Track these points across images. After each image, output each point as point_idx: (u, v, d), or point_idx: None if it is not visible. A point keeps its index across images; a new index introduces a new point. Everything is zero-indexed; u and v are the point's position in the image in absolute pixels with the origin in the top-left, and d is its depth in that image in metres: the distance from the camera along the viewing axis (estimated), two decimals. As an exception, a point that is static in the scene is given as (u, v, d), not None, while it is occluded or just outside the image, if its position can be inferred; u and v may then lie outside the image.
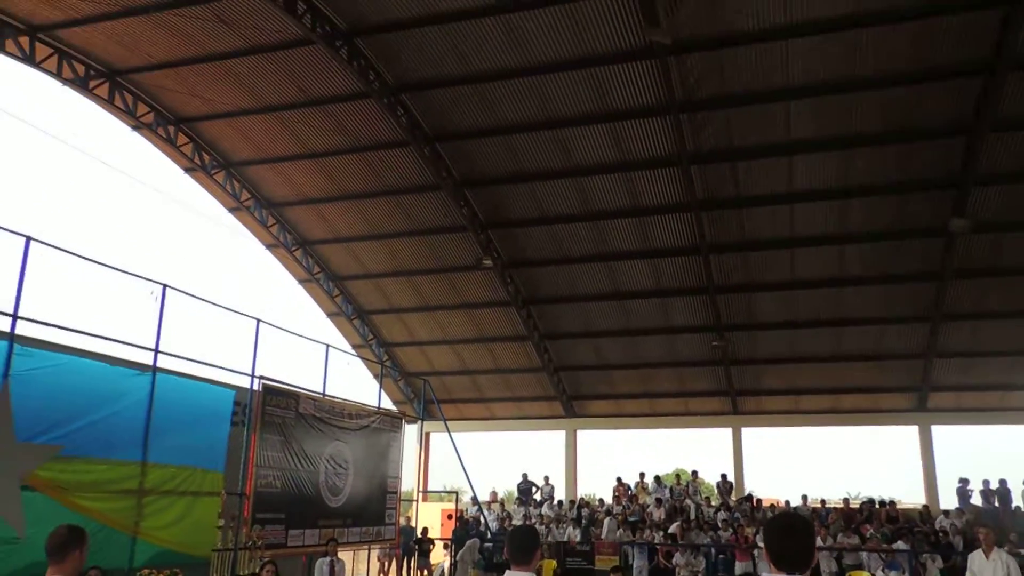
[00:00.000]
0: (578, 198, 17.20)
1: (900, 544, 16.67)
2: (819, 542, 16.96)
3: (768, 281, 18.37)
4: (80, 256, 10.15)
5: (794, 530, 2.87)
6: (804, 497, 19.89)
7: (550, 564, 18.13)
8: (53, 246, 9.65)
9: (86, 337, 10.10)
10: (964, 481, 18.98)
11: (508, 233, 18.67)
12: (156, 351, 10.99)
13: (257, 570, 10.13)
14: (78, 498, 9.32)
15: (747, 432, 22.03)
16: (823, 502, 19.99)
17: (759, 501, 20.33)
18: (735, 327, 19.65)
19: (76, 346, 10.03)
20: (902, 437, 21.70)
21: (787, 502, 20.00)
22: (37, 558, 8.89)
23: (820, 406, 21.14)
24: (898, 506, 19.83)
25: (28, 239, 9.21)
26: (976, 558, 9.23)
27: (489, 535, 19.54)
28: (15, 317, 8.95)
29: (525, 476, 22.42)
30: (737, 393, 21.42)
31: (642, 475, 21.69)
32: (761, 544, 16.39)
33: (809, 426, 22.46)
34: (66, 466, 9.21)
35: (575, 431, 23.35)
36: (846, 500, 20.18)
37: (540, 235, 18.52)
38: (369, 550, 17.63)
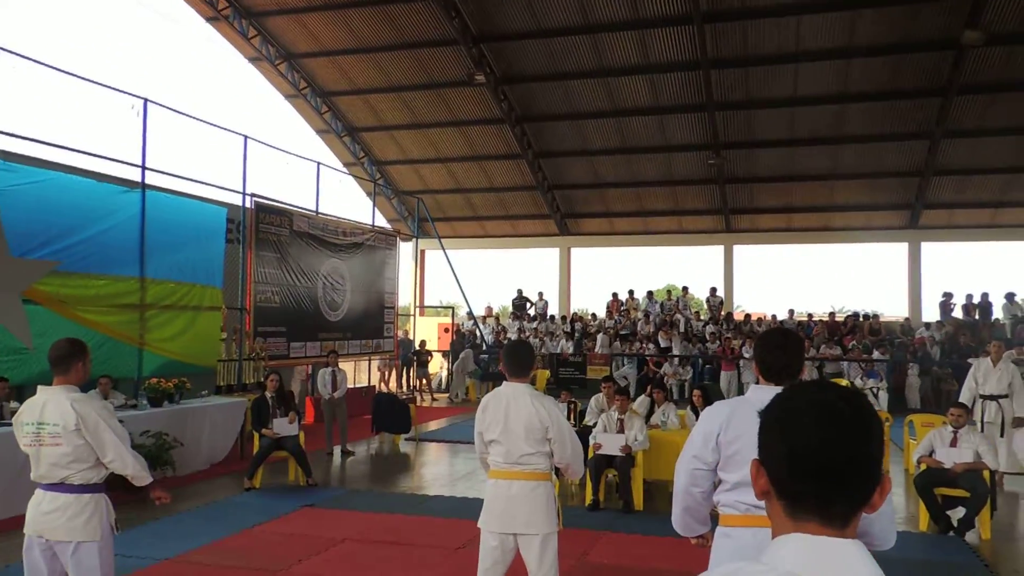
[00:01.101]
0: (577, 8, 16.28)
1: (879, 355, 17.42)
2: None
3: (769, 97, 17.84)
4: (54, 68, 9.72)
5: (786, 344, 2.93)
6: (791, 311, 20.50)
7: (543, 374, 18.99)
8: (24, 56, 9.21)
9: (71, 153, 9.91)
10: (947, 295, 19.49)
11: (501, 47, 17.85)
12: (143, 168, 10.82)
13: (262, 379, 10.56)
14: (81, 311, 9.53)
15: (739, 250, 22.31)
16: (809, 316, 20.63)
17: (747, 315, 20.97)
18: (733, 145, 19.34)
19: (61, 162, 9.86)
20: (892, 254, 22.06)
21: (774, 316, 20.62)
22: (47, 367, 9.24)
23: (812, 224, 21.27)
24: (881, 320, 20.50)
25: (-3, 49, 8.76)
26: (982, 365, 9.43)
27: (484, 348, 20.30)
28: (-6, 132, 8.69)
29: (520, 292, 22.94)
30: (731, 211, 21.46)
31: (631, 292, 22.19)
32: (747, 355, 17.13)
33: (801, 243, 22.72)
34: (65, 280, 9.33)
35: (569, 249, 23.61)
36: (831, 314, 20.79)
37: (535, 49, 17.71)
38: (369, 361, 18.38)
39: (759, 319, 20.59)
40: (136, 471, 3.74)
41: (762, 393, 2.68)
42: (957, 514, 6.98)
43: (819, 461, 1.10)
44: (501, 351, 4.37)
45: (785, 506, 1.14)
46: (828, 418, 1.11)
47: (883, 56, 16.25)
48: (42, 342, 8.95)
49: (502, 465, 3.92)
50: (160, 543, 6.35)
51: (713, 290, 21.73)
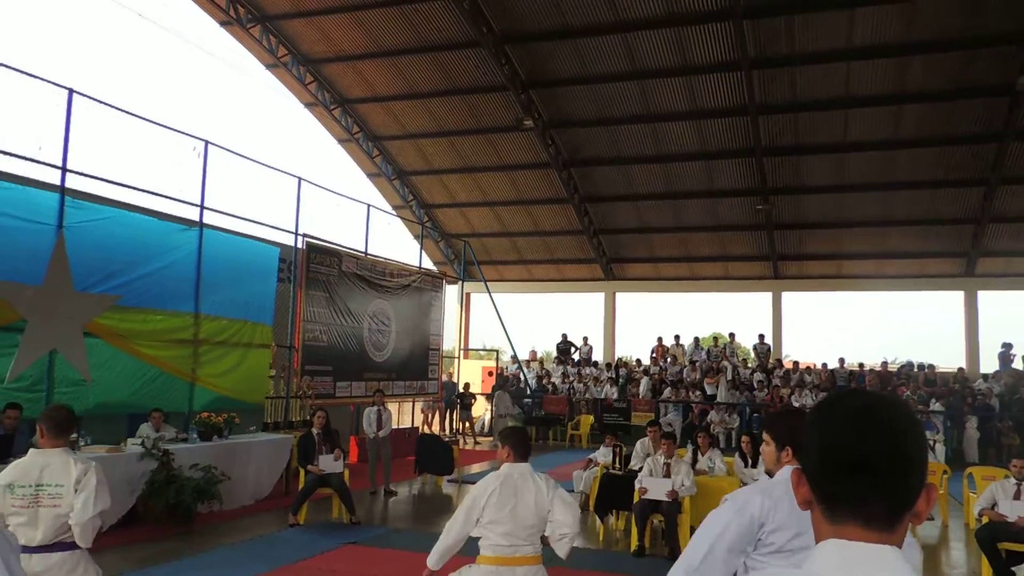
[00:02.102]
0: (624, 55, 16.51)
1: (936, 405, 16.86)
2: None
3: (818, 143, 17.75)
4: (123, 111, 10.16)
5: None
6: (841, 360, 20.05)
7: (587, 419, 18.82)
8: (96, 99, 9.65)
9: (134, 192, 10.29)
10: (1007, 346, 18.87)
11: (550, 93, 18.14)
12: (202, 207, 11.17)
13: (308, 416, 10.67)
14: (138, 345, 9.78)
15: (787, 296, 21.99)
16: (861, 366, 20.13)
17: (795, 364, 20.56)
18: (781, 191, 19.21)
19: (124, 200, 10.25)
20: (947, 303, 21.48)
21: (824, 365, 20.17)
22: (104, 399, 9.49)
23: (864, 271, 20.89)
24: (937, 370, 19.89)
25: (71, 91, 9.21)
26: None
27: (529, 392, 20.21)
28: (64, 170, 9.09)
29: (564, 336, 22.88)
30: (779, 257, 21.22)
31: (677, 337, 21.97)
32: (796, 404, 16.72)
33: (852, 291, 22.28)
34: (125, 315, 9.61)
35: (614, 293, 23.55)
36: (884, 364, 20.27)
37: (583, 95, 17.96)
38: (413, 403, 18.43)
39: (808, 368, 20.16)
40: (89, 534, 3.75)
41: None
42: (1022, 570, 6.67)
43: (851, 454, 1.09)
44: (500, 433, 4.43)
45: (824, 510, 1.13)
46: (863, 414, 1.10)
47: (935, 102, 16.10)
48: (100, 374, 9.23)
49: (504, 549, 3.84)
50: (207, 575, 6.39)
51: (761, 337, 21.39)
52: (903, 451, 1.10)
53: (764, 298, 22.17)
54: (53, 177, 9.09)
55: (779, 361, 20.56)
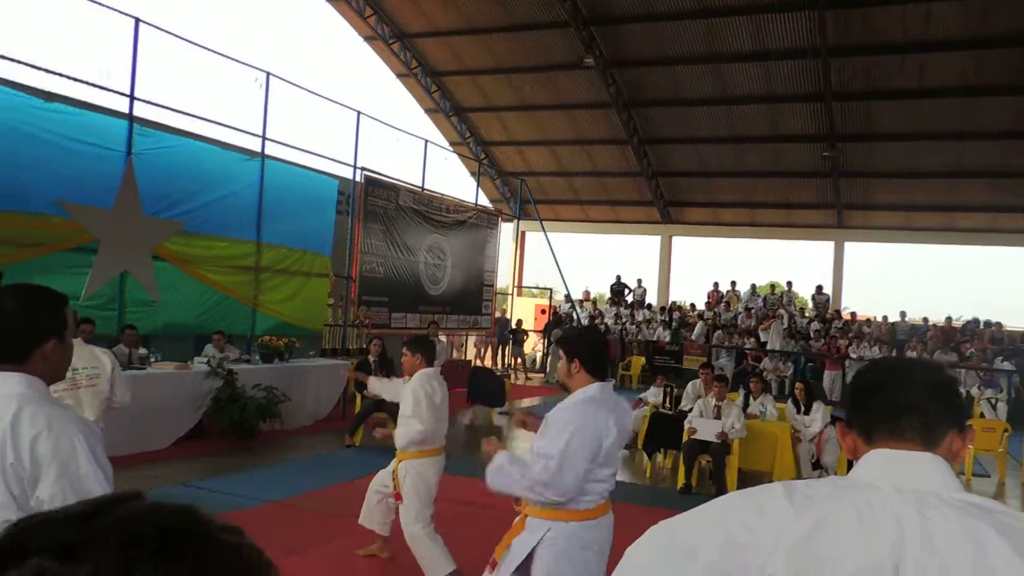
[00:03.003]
0: (690, -10, 15.95)
1: (1004, 364, 16.37)
2: (914, 356, 16.87)
3: (892, 88, 16.98)
4: (188, 40, 10.28)
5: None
6: (903, 313, 19.55)
7: (639, 361, 18.86)
8: (162, 29, 9.79)
9: (198, 122, 10.49)
10: (1079, 305, 18.12)
11: (612, 30, 17.68)
12: (264, 138, 11.33)
13: (365, 345, 10.94)
14: (203, 270, 10.10)
15: (850, 247, 21.42)
16: (925, 319, 19.61)
17: (853, 315, 20.13)
18: (849, 137, 18.53)
19: (189, 130, 10.46)
20: (1019, 260, 20.66)
21: (884, 318, 19.70)
22: (171, 320, 9.88)
23: (933, 224, 20.17)
24: (1005, 328, 19.24)
25: (137, 20, 9.35)
26: None
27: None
28: (132, 98, 9.30)
29: (618, 278, 22.78)
30: (844, 206, 20.61)
31: (733, 283, 21.67)
32: (853, 355, 16.44)
33: (918, 243, 21.57)
34: (190, 241, 9.91)
35: (670, 237, 23.26)
36: (948, 319, 19.68)
37: (645, 33, 17.46)
38: (466, 337, 18.69)
39: (867, 320, 19.73)
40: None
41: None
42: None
43: (878, 381, 1.30)
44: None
45: (865, 441, 1.27)
46: (897, 362, 1.37)
47: (1020, 47, 15.18)
48: (168, 296, 9.58)
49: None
50: (267, 487, 6.70)
51: (819, 288, 20.96)
52: (926, 379, 1.28)
53: (826, 247, 21.64)
54: (121, 105, 9.32)
55: (837, 312, 20.16)
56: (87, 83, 8.96)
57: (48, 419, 1.69)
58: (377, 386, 5.32)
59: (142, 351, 8.54)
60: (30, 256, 8.05)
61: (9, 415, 1.67)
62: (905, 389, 1.26)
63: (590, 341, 3.22)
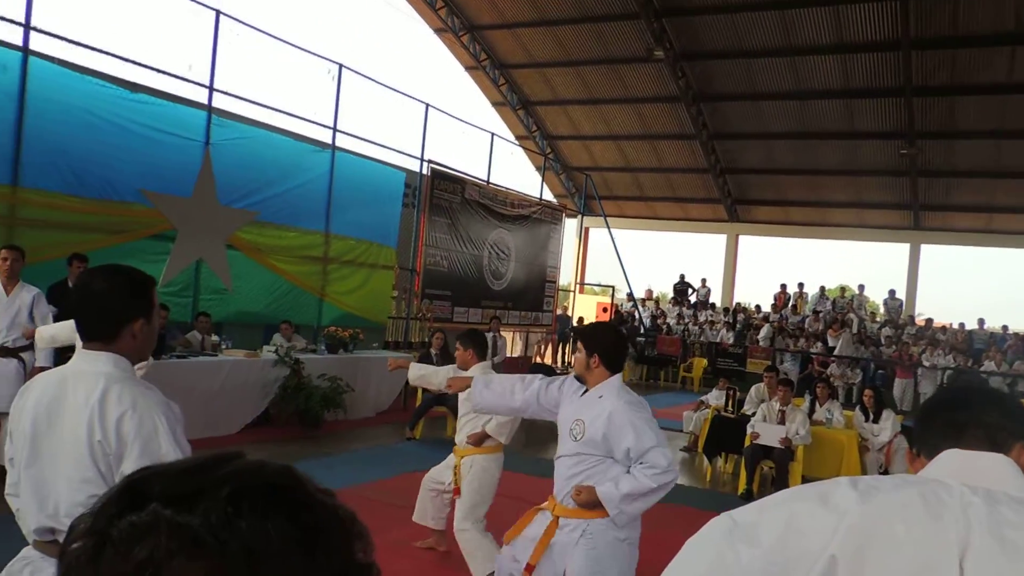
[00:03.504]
0: (767, -19, 15.56)
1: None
2: (992, 367, 16.20)
3: (978, 83, 16.25)
4: (265, 32, 10.53)
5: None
6: (981, 321, 18.78)
7: (700, 362, 18.59)
8: (241, 21, 10.04)
9: (272, 113, 10.73)
10: None
11: (683, 22, 17.38)
12: (335, 129, 11.54)
13: (427, 338, 11.06)
14: (273, 259, 10.36)
15: (927, 250, 20.65)
16: (1004, 327, 18.79)
17: (928, 321, 19.43)
18: (930, 134, 17.84)
19: (264, 121, 10.71)
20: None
21: (961, 325, 18.95)
22: (242, 307, 10.16)
23: (1017, 226, 19.28)
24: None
25: (218, 12, 9.61)
26: None
27: (642, 331, 20.11)
28: (211, 89, 9.58)
29: (682, 277, 22.47)
30: (921, 207, 19.87)
31: (801, 285, 21.15)
32: (926, 363, 15.87)
33: (1002, 247, 20.63)
34: (262, 230, 10.17)
35: (737, 236, 22.82)
36: (1030, 327, 18.84)
37: (719, 24, 17.10)
38: (527, 333, 18.71)
39: (943, 327, 19.01)
40: None
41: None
42: None
43: (950, 406, 1.31)
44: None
45: (930, 459, 1.27)
46: (957, 386, 1.42)
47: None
48: (239, 284, 9.86)
49: None
50: (329, 476, 6.84)
51: (892, 292, 20.28)
52: (985, 396, 1.32)
53: (900, 250, 20.90)
54: (201, 96, 9.61)
55: (911, 317, 19.49)
56: (170, 74, 9.27)
57: (133, 399, 1.76)
58: (416, 372, 5.12)
59: (214, 338, 8.81)
60: (115, 242, 8.37)
61: (97, 393, 1.75)
62: (965, 406, 1.28)
63: (611, 336, 3.28)
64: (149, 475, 0.57)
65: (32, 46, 7.74)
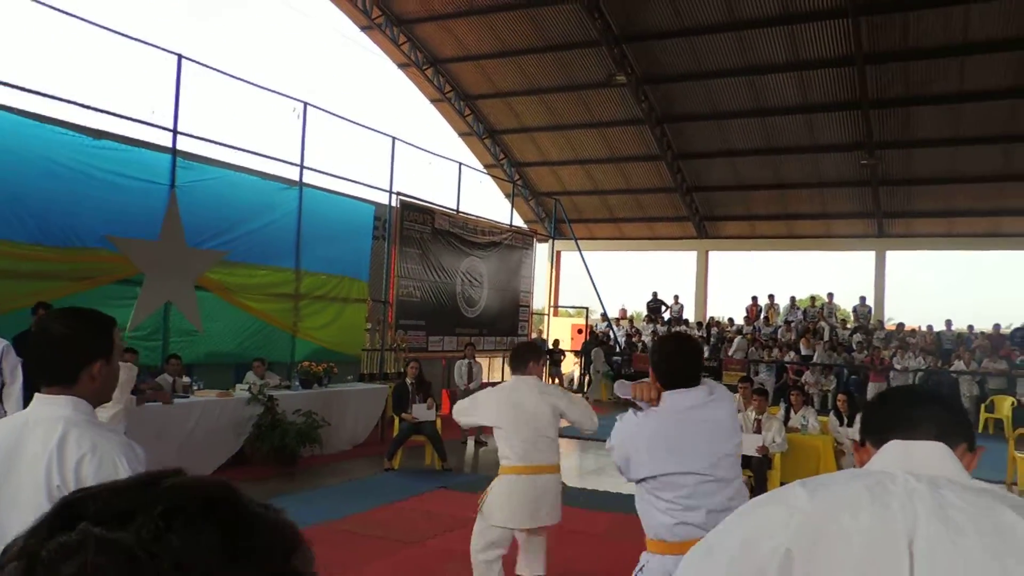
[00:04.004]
0: (722, 4, 15.93)
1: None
2: (962, 366, 16.48)
3: (931, 93, 16.72)
4: (228, 75, 10.60)
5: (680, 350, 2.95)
6: (948, 322, 19.12)
7: (677, 378, 18.66)
8: (203, 64, 10.12)
9: (238, 153, 10.77)
10: None
11: (643, 47, 17.74)
12: (301, 167, 11.59)
13: (403, 368, 11.05)
14: (243, 298, 10.33)
15: (892, 256, 21.05)
16: (970, 328, 19.14)
17: (900, 325, 19.75)
18: (888, 144, 18.28)
19: (230, 161, 10.75)
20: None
21: (929, 327, 19.27)
22: (213, 348, 10.11)
23: (977, 229, 19.74)
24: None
25: (180, 57, 9.68)
26: None
27: (618, 349, 20.21)
28: (175, 132, 9.61)
29: (655, 295, 22.67)
30: (884, 215, 20.28)
31: (771, 297, 21.41)
32: (897, 366, 16.10)
33: (963, 250, 21.11)
34: (232, 270, 10.15)
35: (707, 252, 23.10)
36: (996, 327, 19.17)
37: (677, 48, 17.48)
38: (503, 358, 18.73)
39: (912, 330, 19.32)
40: None
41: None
42: None
43: (899, 399, 1.36)
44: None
45: (875, 445, 1.32)
46: (908, 386, 1.56)
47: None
48: (210, 325, 9.81)
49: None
50: (309, 511, 6.81)
51: (863, 299, 20.60)
52: (937, 396, 1.36)
53: (867, 257, 21.29)
54: (165, 139, 9.63)
55: (880, 322, 19.79)
56: (133, 119, 9.29)
57: (93, 442, 1.75)
58: (576, 416, 4.49)
59: (185, 379, 8.75)
60: (81, 289, 8.32)
61: (55, 438, 1.74)
62: (919, 403, 1.32)
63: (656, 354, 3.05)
64: (83, 496, 0.57)
65: (-10, 97, 7.75)
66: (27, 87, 8.11)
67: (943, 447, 1.23)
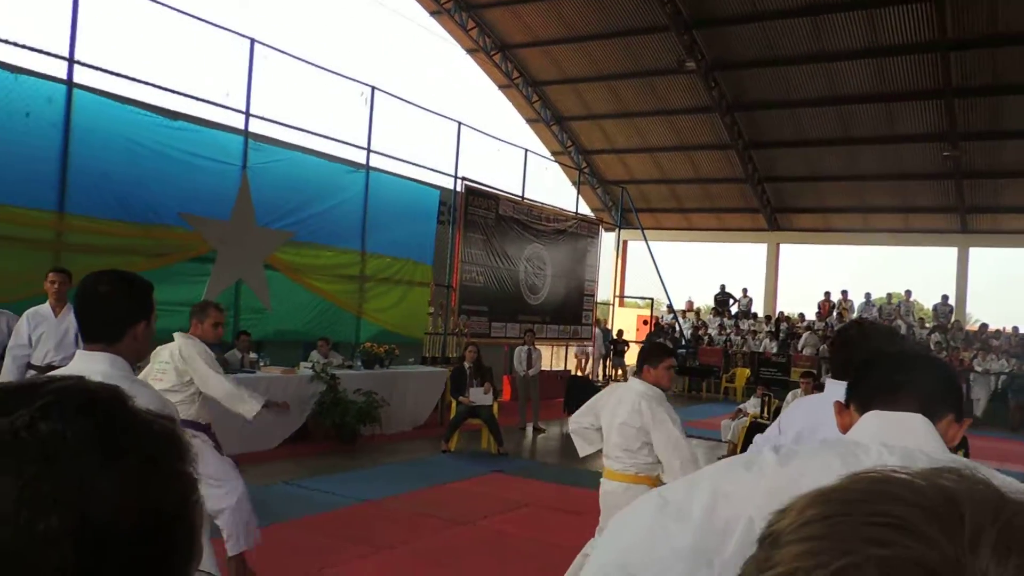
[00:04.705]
0: (797, -13, 15.45)
1: None
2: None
3: (1021, 82, 15.85)
4: (299, 58, 10.82)
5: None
6: (1035, 323, 18.19)
7: (743, 372, 18.34)
8: (275, 48, 10.35)
9: (307, 136, 11.00)
10: None
11: (714, 32, 17.34)
12: (368, 150, 11.77)
13: (462, 352, 11.13)
14: (310, 279, 10.56)
15: (976, 253, 20.12)
16: (1059, 329, 18.16)
17: (983, 325, 18.89)
18: (973, 136, 17.44)
19: (299, 144, 10.98)
20: None
21: (1015, 328, 18.37)
22: (281, 326, 10.37)
23: (1071, 225, 18.69)
24: None
25: (252, 41, 9.92)
26: None
27: (683, 342, 19.93)
28: (248, 115, 9.86)
29: (723, 287, 22.24)
30: (968, 210, 19.39)
31: (844, 293, 20.74)
32: (978, 368, 15.44)
33: (1053, 247, 20.02)
34: (299, 250, 10.39)
35: (777, 245, 22.51)
36: (1088, 329, 18.15)
37: (750, 33, 17.01)
38: (567, 347, 18.68)
39: (995, 332, 18.46)
40: (223, 395, 4.09)
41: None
42: None
43: (887, 364, 1.33)
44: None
45: (860, 414, 1.28)
46: (901, 350, 1.54)
47: None
48: (278, 304, 10.08)
49: None
50: (366, 487, 6.94)
51: (944, 297, 19.78)
52: (928, 364, 1.35)
53: (949, 254, 20.40)
54: (238, 121, 9.90)
55: (958, 322, 18.97)
56: (208, 102, 9.59)
57: (131, 394, 1.82)
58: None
59: (252, 356, 9.01)
60: (156, 265, 8.63)
61: None
62: (905, 369, 1.30)
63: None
64: None
65: (75, 79, 8.09)
66: (110, 69, 8.44)
67: (921, 419, 1.20)
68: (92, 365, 1.84)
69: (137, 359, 1.97)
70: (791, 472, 1.09)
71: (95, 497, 0.53)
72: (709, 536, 1.08)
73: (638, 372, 4.14)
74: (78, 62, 8.12)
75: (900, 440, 1.15)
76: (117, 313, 1.91)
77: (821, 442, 1.20)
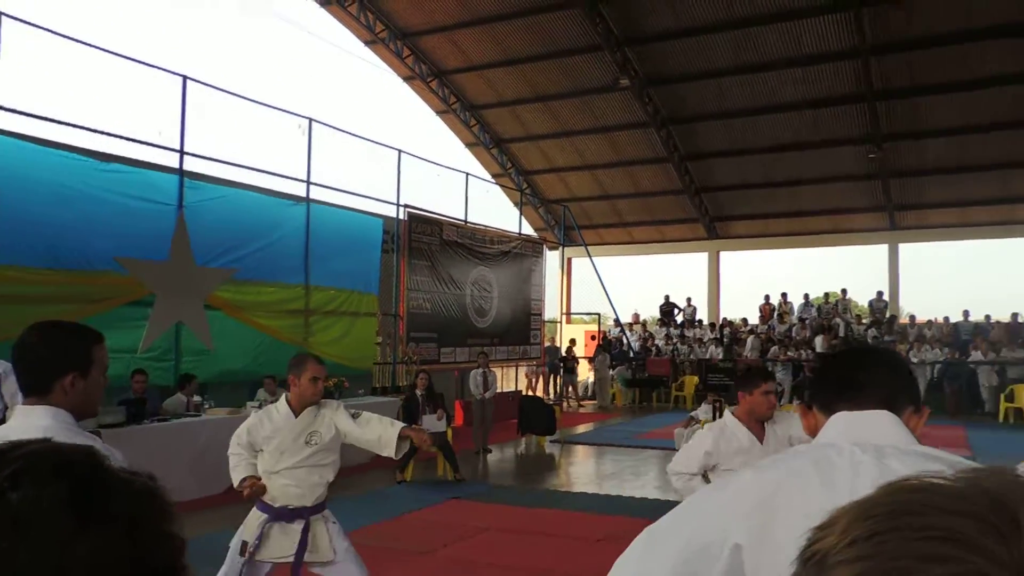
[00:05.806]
0: (721, 3, 15.92)
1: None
2: (979, 356, 16.31)
3: (940, 82, 16.58)
4: (233, 93, 10.71)
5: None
6: (966, 313, 18.93)
7: (692, 380, 18.62)
8: (208, 84, 10.23)
9: (245, 171, 10.87)
10: None
11: (646, 49, 17.74)
12: (308, 182, 11.68)
13: (413, 380, 11.07)
14: (253, 316, 10.40)
15: (905, 249, 20.87)
16: (987, 317, 18.93)
17: (912, 318, 19.58)
18: (896, 136, 18.16)
19: (236, 180, 10.84)
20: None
21: (946, 319, 19.08)
22: (225, 366, 10.17)
23: (991, 218, 19.54)
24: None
25: (184, 78, 9.79)
26: None
27: (631, 355, 20.15)
28: (182, 153, 9.71)
29: (667, 298, 22.60)
30: (896, 208, 20.13)
31: (784, 295, 21.28)
32: (914, 360, 15.94)
33: (977, 239, 20.87)
34: (240, 288, 10.23)
35: (718, 252, 23.00)
36: (1014, 316, 18.94)
37: (679, 49, 17.47)
38: (517, 367, 18.72)
39: (927, 323, 19.14)
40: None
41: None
42: None
43: (847, 363, 1.35)
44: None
45: (825, 415, 1.30)
46: (857, 347, 1.50)
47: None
48: (220, 344, 9.88)
49: None
50: (321, 525, 6.82)
51: (879, 293, 20.44)
52: (885, 359, 1.36)
53: (880, 251, 21.11)
54: (172, 160, 9.73)
55: (893, 316, 19.62)
56: (140, 142, 9.42)
57: None
58: None
59: (196, 398, 8.82)
60: (92, 313, 8.39)
61: None
62: (864, 366, 1.31)
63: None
64: None
65: (-3, 126, 7.87)
66: (33, 113, 8.23)
67: (888, 415, 1.23)
68: (32, 420, 1.77)
69: (81, 413, 1.88)
70: (767, 484, 1.12)
71: (74, 564, 0.51)
72: (692, 562, 1.10)
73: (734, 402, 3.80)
74: (-1, 108, 7.90)
75: (871, 437, 1.18)
76: (40, 365, 1.84)
77: (793, 450, 1.22)
